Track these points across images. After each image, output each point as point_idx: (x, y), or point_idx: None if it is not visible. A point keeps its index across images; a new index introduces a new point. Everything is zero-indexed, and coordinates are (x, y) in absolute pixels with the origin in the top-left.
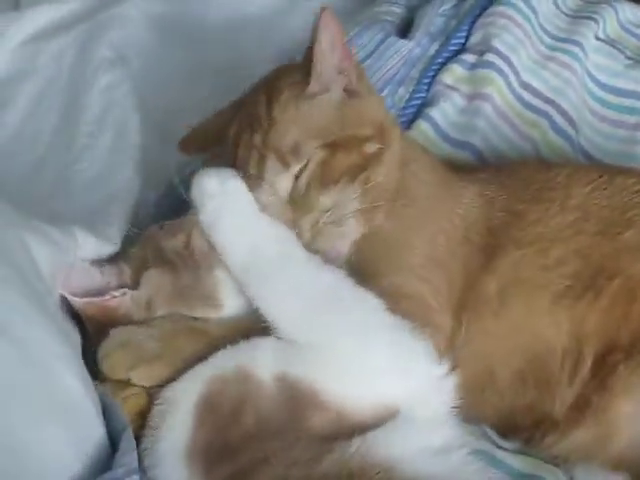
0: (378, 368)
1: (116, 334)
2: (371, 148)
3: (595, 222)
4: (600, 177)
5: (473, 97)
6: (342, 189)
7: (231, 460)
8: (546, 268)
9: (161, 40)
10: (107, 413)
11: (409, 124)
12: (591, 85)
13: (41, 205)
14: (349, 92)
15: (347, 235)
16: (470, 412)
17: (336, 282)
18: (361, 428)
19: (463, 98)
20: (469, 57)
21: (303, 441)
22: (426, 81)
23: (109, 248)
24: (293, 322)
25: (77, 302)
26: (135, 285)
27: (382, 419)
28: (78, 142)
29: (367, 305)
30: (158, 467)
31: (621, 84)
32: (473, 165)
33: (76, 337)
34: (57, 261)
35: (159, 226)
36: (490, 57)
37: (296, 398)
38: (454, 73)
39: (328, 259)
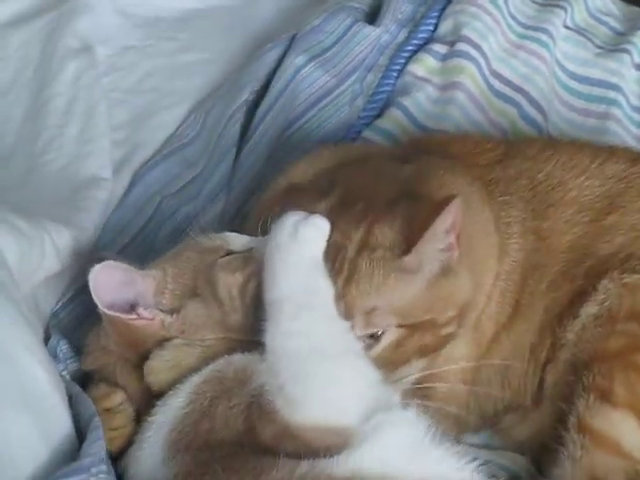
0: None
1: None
2: (448, 330)
3: (587, 213)
4: (591, 163)
5: (446, 87)
6: (410, 365)
7: (192, 455)
8: (544, 270)
9: (127, 28)
10: (74, 403)
11: (380, 111)
12: (560, 74)
13: (9, 196)
14: (444, 269)
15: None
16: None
17: (339, 341)
18: (309, 451)
19: (436, 89)
20: (440, 48)
21: (247, 451)
22: (395, 68)
23: (83, 237)
24: (280, 359)
25: (102, 308)
26: (173, 310)
27: (333, 445)
28: (46, 133)
29: (350, 362)
30: (139, 450)
31: (590, 73)
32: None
33: (40, 329)
34: (24, 252)
35: (225, 252)
36: (461, 46)
37: (257, 408)
38: (425, 64)
39: None
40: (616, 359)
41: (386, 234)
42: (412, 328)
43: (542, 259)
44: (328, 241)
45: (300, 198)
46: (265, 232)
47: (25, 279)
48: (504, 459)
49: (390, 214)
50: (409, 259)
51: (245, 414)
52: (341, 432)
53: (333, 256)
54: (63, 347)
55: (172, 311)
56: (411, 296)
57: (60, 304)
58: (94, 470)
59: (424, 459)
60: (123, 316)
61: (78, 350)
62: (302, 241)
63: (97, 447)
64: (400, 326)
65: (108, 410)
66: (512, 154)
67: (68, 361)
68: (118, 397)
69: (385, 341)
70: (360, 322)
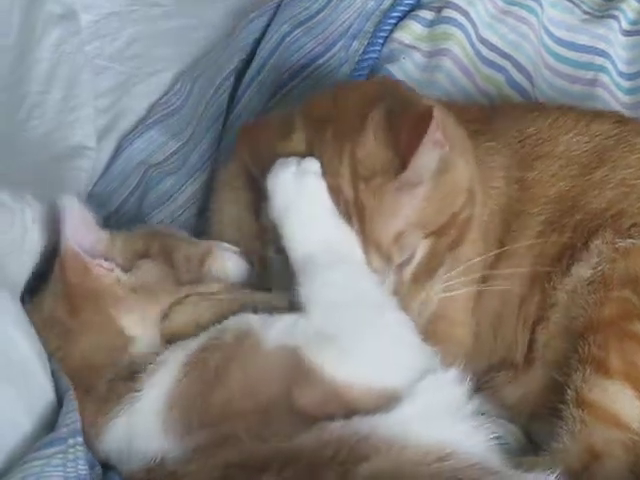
0: (381, 361)
1: None
2: (466, 214)
3: (574, 167)
4: (578, 122)
5: (433, 54)
6: (444, 266)
7: (209, 428)
8: (528, 223)
9: None
10: (54, 373)
11: (366, 79)
12: (547, 40)
13: None
14: (442, 165)
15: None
16: None
17: (378, 292)
18: (347, 411)
19: (424, 56)
20: (426, 14)
21: (280, 417)
22: (381, 35)
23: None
24: (327, 310)
25: (69, 243)
26: (125, 269)
27: (375, 405)
28: (29, 100)
29: (395, 316)
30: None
31: (577, 39)
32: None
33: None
34: (4, 222)
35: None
36: (448, 12)
37: (292, 372)
38: (412, 31)
39: None
40: (611, 328)
41: (372, 157)
42: (438, 233)
43: (524, 207)
44: None
45: (266, 135)
46: (259, 167)
47: (7, 251)
48: (495, 427)
49: (364, 131)
50: (408, 174)
51: (278, 381)
52: (386, 394)
53: (334, 200)
54: None
55: (124, 269)
56: (424, 204)
57: None
58: (71, 441)
59: (452, 428)
60: (87, 258)
61: None
62: (308, 194)
63: (73, 417)
64: (427, 236)
65: None
66: (499, 112)
67: None
68: None
69: (419, 255)
70: (395, 252)
